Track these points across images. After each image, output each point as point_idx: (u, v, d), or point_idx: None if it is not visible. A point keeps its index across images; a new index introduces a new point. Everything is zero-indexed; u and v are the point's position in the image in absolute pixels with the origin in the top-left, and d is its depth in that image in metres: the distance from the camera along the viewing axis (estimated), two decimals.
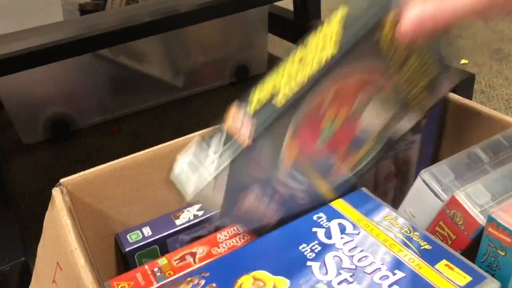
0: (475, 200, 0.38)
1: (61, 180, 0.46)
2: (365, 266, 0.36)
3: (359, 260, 0.37)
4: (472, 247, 0.38)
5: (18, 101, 1.12)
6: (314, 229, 0.40)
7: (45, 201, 0.44)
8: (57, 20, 1.08)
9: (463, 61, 1.33)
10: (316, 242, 0.39)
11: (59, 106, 1.16)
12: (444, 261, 0.36)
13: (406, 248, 0.37)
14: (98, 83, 1.20)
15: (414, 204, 0.43)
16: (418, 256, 0.36)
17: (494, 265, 0.35)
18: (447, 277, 0.34)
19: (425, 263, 0.36)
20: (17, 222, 0.62)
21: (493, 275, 0.35)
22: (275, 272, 0.37)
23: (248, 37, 1.38)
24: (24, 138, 1.16)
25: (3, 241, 0.58)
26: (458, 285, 0.33)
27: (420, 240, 0.38)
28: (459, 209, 0.38)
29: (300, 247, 0.39)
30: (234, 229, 0.46)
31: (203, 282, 0.37)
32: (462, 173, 0.42)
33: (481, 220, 0.37)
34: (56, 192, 0.44)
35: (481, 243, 0.36)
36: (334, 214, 0.42)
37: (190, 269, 0.42)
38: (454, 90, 0.54)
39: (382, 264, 0.36)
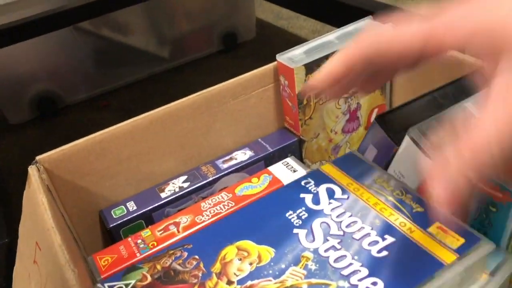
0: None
1: (37, 158, 0.44)
2: (353, 232, 0.35)
3: (347, 226, 0.36)
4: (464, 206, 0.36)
5: (2, 81, 1.09)
6: (302, 195, 0.39)
7: None
8: None
9: None
10: (303, 208, 0.38)
11: (44, 83, 1.14)
12: (437, 224, 0.34)
13: (398, 212, 0.36)
14: (83, 58, 1.17)
15: (403, 163, 0.41)
16: (410, 219, 0.35)
17: (486, 222, 0.34)
18: (440, 241, 0.33)
19: (417, 226, 0.34)
20: (1, 203, 0.61)
21: (485, 233, 0.34)
22: (260, 241, 0.36)
23: (235, 2, 1.34)
24: (10, 118, 1.14)
25: None
26: (452, 248, 0.32)
27: (412, 202, 0.36)
28: None
29: (287, 214, 0.38)
30: (218, 197, 0.45)
31: (185, 254, 0.36)
32: None
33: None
34: (32, 170, 0.43)
35: (473, 201, 0.35)
36: (322, 179, 0.40)
37: (174, 239, 0.41)
38: None
39: (372, 229, 0.35)
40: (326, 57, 0.51)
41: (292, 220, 0.37)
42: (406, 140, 0.40)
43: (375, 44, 0.29)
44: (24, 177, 0.43)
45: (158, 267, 0.35)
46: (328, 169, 0.41)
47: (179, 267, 0.35)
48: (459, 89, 0.45)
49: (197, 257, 0.35)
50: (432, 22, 0.27)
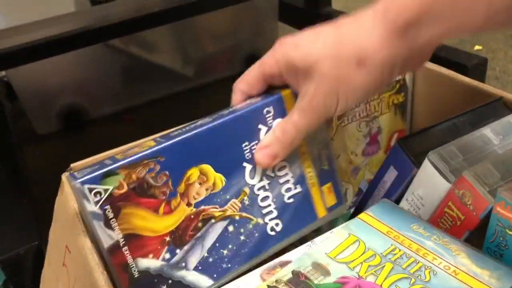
0: (484, 179, 0.37)
1: (72, 165, 0.46)
2: (280, 176, 0.40)
3: (278, 170, 0.40)
4: (481, 227, 0.37)
5: (32, 92, 1.13)
6: (259, 126, 0.40)
7: (58, 189, 0.45)
8: (69, 11, 1.08)
9: (477, 47, 1.31)
10: (256, 142, 0.40)
11: (72, 97, 1.18)
12: (329, 185, 0.43)
13: (313, 166, 0.43)
14: (110, 73, 1.20)
15: (422, 186, 0.42)
16: (316, 175, 0.42)
17: (503, 245, 0.35)
18: (323, 198, 0.43)
19: (317, 182, 0.43)
20: (31, 207, 0.63)
21: (501, 255, 0.35)
22: (217, 168, 0.38)
23: (258, 25, 1.37)
24: (38, 129, 1.18)
25: (18, 226, 0.59)
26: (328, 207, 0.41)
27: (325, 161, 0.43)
28: (468, 188, 0.37)
29: (243, 145, 0.39)
30: None
31: (158, 168, 0.36)
32: (471, 154, 0.41)
33: (490, 199, 0.36)
34: (65, 177, 0.45)
35: (490, 223, 0.35)
36: (281, 113, 0.41)
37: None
38: (466, 75, 0.53)
39: (292, 177, 0.40)
40: None
41: (245, 152, 0.39)
42: (426, 164, 0.42)
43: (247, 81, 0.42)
44: (48, 186, 0.45)
45: (134, 176, 0.35)
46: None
47: (151, 181, 0.36)
48: (477, 116, 0.46)
49: (167, 173, 0.36)
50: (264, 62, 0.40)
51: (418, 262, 0.35)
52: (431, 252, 0.36)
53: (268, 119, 0.40)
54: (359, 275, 0.35)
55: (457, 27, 0.31)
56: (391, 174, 0.46)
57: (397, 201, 0.46)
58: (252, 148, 0.39)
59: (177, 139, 0.37)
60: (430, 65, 0.56)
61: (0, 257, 0.55)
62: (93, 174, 0.34)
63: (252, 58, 1.47)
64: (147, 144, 0.37)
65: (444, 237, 0.37)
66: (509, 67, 1.22)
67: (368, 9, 0.34)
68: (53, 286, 0.44)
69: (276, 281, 0.36)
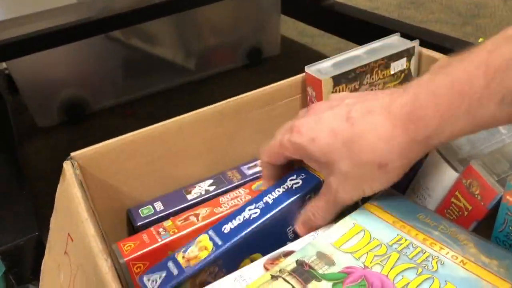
0: (492, 168, 0.37)
1: (72, 154, 0.46)
2: None
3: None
4: (489, 218, 0.37)
5: (33, 85, 1.12)
6: (301, 210, 0.41)
7: (58, 183, 0.45)
8: (70, 2, 1.07)
9: (481, 39, 1.30)
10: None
11: (73, 89, 1.17)
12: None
13: None
14: (112, 66, 1.20)
15: (429, 176, 0.42)
16: None
17: None
18: None
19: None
20: (31, 200, 0.63)
21: (510, 245, 0.34)
22: (265, 254, 0.39)
23: (261, 18, 1.36)
24: (39, 122, 1.17)
25: (18, 217, 0.59)
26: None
27: None
28: (476, 178, 0.37)
29: (287, 229, 0.41)
30: (235, 193, 0.46)
31: (217, 269, 0.39)
32: (479, 144, 0.40)
33: (498, 189, 0.36)
34: (67, 165, 0.44)
35: (499, 212, 0.35)
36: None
37: (194, 227, 0.43)
38: None
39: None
40: (354, 71, 0.52)
41: (288, 235, 0.41)
42: (433, 154, 0.41)
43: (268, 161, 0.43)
44: (50, 178, 0.45)
45: (197, 282, 0.38)
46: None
47: (210, 279, 0.38)
48: None
49: (224, 270, 0.39)
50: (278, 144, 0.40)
51: (425, 252, 0.35)
52: (438, 242, 0.35)
53: (308, 202, 0.42)
54: (364, 265, 0.34)
55: (473, 125, 0.32)
56: None
57: (404, 192, 0.45)
58: (293, 228, 0.42)
59: (233, 241, 0.40)
60: (435, 54, 0.56)
61: (0, 247, 0.54)
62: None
63: (254, 51, 1.47)
64: (203, 244, 0.40)
65: (451, 226, 0.36)
66: None
67: (381, 108, 0.35)
68: (54, 275, 0.43)
69: (280, 270, 0.35)
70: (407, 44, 0.55)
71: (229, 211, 0.44)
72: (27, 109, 1.16)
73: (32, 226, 0.55)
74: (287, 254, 0.39)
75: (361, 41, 0.57)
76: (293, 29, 1.57)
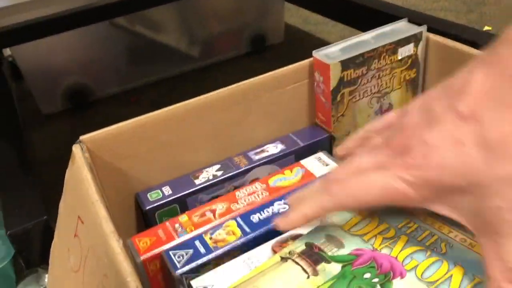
0: None
1: (81, 137, 0.46)
2: None
3: None
4: None
5: (37, 72, 1.12)
6: None
7: (64, 168, 0.45)
8: None
9: (486, 27, 1.29)
10: None
11: (77, 76, 1.17)
12: None
13: None
14: (115, 53, 1.20)
15: None
16: None
17: None
18: None
19: None
20: (38, 185, 0.63)
21: None
22: None
23: (265, 5, 1.35)
24: (43, 108, 1.17)
25: (25, 202, 0.59)
26: None
27: None
28: None
29: None
30: (252, 187, 0.46)
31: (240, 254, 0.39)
32: None
33: None
34: (76, 148, 0.45)
35: None
36: None
37: (210, 224, 0.43)
38: None
39: None
40: (362, 55, 0.52)
41: None
42: None
43: None
44: (55, 165, 0.45)
45: (221, 264, 0.39)
46: None
47: None
48: None
49: None
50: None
51: (434, 235, 0.35)
52: (446, 225, 0.36)
53: None
54: (373, 247, 0.35)
55: None
56: None
57: None
58: None
59: (261, 230, 0.41)
60: (442, 40, 0.56)
61: (9, 231, 0.55)
62: (190, 266, 0.39)
63: (258, 39, 1.47)
64: (231, 229, 0.42)
65: None
66: None
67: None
68: (64, 258, 0.43)
69: (289, 252, 0.35)
70: (414, 29, 0.55)
71: (247, 208, 0.44)
72: (31, 95, 1.16)
73: (40, 211, 0.55)
74: (295, 237, 0.39)
75: (366, 28, 0.57)
76: (297, 16, 1.56)
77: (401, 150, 0.29)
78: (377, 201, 0.30)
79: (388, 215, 0.37)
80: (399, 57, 0.55)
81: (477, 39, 0.76)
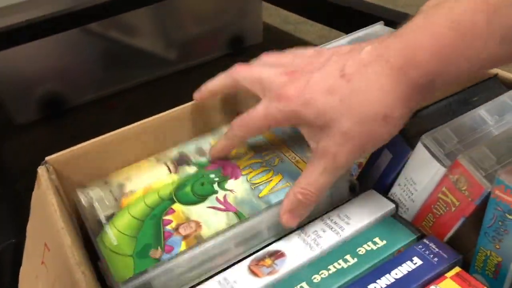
0: (479, 163, 0.36)
1: (47, 158, 0.44)
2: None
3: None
4: (477, 214, 0.36)
5: (9, 81, 1.09)
6: None
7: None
8: None
9: None
10: None
11: (51, 84, 1.14)
12: None
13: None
14: (90, 59, 1.17)
15: (415, 170, 0.41)
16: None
17: (502, 230, 0.34)
18: None
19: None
20: (9, 203, 0.61)
21: (500, 240, 0.34)
22: None
23: (242, 6, 1.34)
24: (17, 118, 1.14)
25: None
26: None
27: None
28: (463, 173, 0.36)
29: None
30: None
31: None
32: (466, 136, 0.40)
33: (486, 185, 0.35)
34: (41, 170, 0.42)
35: (488, 208, 0.34)
36: None
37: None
38: None
39: None
40: None
41: None
42: (419, 147, 0.40)
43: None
44: (31, 177, 0.43)
45: None
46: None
47: None
48: (472, 95, 0.44)
49: None
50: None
51: (274, 153, 0.46)
52: (289, 148, 0.46)
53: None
54: (226, 158, 0.46)
55: (476, 65, 0.31)
56: (386, 157, 0.44)
57: (390, 187, 0.44)
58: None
59: None
60: None
61: None
62: None
63: (236, 40, 1.45)
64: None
65: None
66: None
67: (376, 58, 0.33)
68: (33, 284, 0.42)
69: (165, 156, 0.47)
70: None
71: None
72: (3, 105, 1.12)
73: (10, 232, 0.53)
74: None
75: (344, 28, 0.56)
76: (276, 16, 1.55)
77: (288, 79, 0.37)
78: (263, 124, 0.39)
79: (254, 141, 0.47)
80: None
81: None
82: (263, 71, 0.40)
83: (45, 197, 0.39)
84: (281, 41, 1.42)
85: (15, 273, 0.52)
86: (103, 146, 0.46)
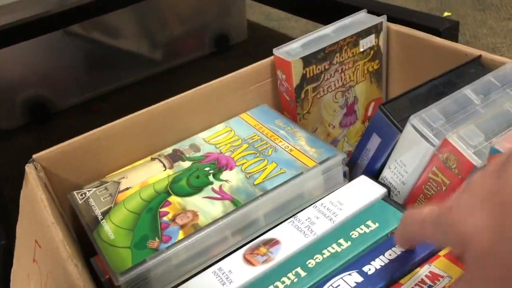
0: (468, 141, 0.36)
1: (34, 156, 0.43)
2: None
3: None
4: None
5: None
6: None
7: None
8: None
9: (446, 13, 1.31)
10: None
11: (35, 88, 1.12)
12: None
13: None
14: (73, 62, 1.15)
15: (405, 152, 0.41)
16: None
17: None
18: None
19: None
20: None
21: None
22: None
23: (226, 4, 1.33)
24: (1, 124, 1.12)
25: None
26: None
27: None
28: (452, 151, 0.36)
29: None
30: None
31: None
32: (453, 116, 0.40)
33: (475, 161, 0.35)
34: (29, 168, 0.42)
35: None
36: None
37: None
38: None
39: None
40: (323, 50, 0.51)
41: None
42: (408, 128, 0.40)
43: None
44: (17, 182, 0.43)
45: None
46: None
47: None
48: (457, 76, 0.45)
49: None
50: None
51: (267, 144, 0.47)
52: (280, 137, 0.48)
53: None
54: (220, 152, 0.47)
55: None
56: (374, 142, 0.44)
57: (382, 169, 0.44)
58: None
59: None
60: (403, 29, 0.55)
61: None
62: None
63: (221, 38, 1.44)
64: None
65: (295, 127, 0.50)
66: (479, 31, 1.22)
67: None
68: (25, 284, 0.41)
69: (159, 155, 0.48)
70: (374, 20, 0.55)
71: None
72: None
73: (0, 234, 0.52)
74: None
75: (328, 22, 0.56)
76: (259, 13, 1.54)
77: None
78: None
79: (241, 131, 0.50)
80: (361, 49, 0.54)
81: (438, 26, 0.77)
82: None
83: (34, 194, 0.38)
84: (265, 37, 1.42)
85: (5, 275, 0.51)
86: (91, 143, 0.46)
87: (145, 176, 0.45)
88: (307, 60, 0.50)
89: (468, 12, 1.32)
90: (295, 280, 0.35)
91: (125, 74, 1.23)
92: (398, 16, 0.80)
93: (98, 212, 0.41)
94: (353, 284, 0.33)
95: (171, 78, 1.25)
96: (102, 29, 1.17)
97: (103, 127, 0.46)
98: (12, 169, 0.97)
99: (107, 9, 1.05)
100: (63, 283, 0.32)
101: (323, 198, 0.42)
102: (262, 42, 1.39)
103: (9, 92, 1.09)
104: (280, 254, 0.37)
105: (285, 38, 1.38)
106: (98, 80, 1.20)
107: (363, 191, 0.41)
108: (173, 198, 0.42)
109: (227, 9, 1.34)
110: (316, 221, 0.39)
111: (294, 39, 0.53)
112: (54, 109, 1.17)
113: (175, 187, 0.43)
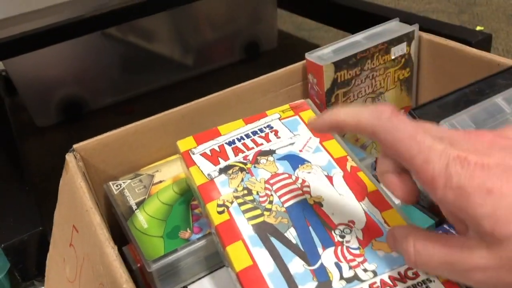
0: None
1: (75, 146, 0.45)
2: None
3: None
4: None
5: (31, 85, 1.12)
6: None
7: (59, 180, 0.45)
8: (64, 0, 1.07)
9: (478, 27, 1.30)
10: None
11: (71, 88, 1.16)
12: None
13: None
14: (109, 63, 1.19)
15: None
16: None
17: None
18: None
19: None
20: (32, 196, 0.63)
21: None
22: None
23: (257, 12, 1.36)
24: (37, 121, 1.16)
25: (21, 213, 0.58)
26: None
27: None
28: None
29: None
30: None
31: None
32: (483, 123, 0.40)
33: None
34: (69, 157, 0.44)
35: None
36: None
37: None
38: None
39: None
40: (355, 56, 0.52)
41: None
42: None
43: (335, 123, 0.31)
44: (50, 177, 0.45)
45: None
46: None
47: None
48: (488, 85, 0.45)
49: None
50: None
51: None
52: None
53: None
54: None
55: None
56: None
57: None
58: None
59: None
60: (435, 38, 0.56)
61: (4, 243, 0.54)
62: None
63: (251, 46, 1.46)
64: None
65: None
66: None
67: None
68: (60, 269, 0.43)
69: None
70: (406, 28, 0.55)
71: None
72: (25, 109, 1.15)
73: (35, 222, 0.55)
74: None
75: (358, 31, 0.57)
76: (290, 22, 1.56)
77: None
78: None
79: None
80: (392, 57, 0.55)
81: (470, 38, 0.77)
82: None
83: (73, 182, 0.40)
84: (295, 46, 1.44)
85: (40, 261, 0.54)
86: (128, 136, 0.48)
87: (178, 170, 0.47)
88: (338, 65, 0.51)
89: (501, 26, 1.31)
90: None
91: (158, 78, 1.26)
92: (430, 27, 0.80)
93: (132, 202, 0.43)
94: None
95: (200, 84, 1.28)
96: (138, 33, 1.20)
97: (140, 122, 0.48)
98: (45, 164, 1.00)
99: (143, 13, 1.08)
100: (99, 265, 0.34)
101: None
102: (292, 51, 1.40)
103: (46, 90, 1.14)
104: None
105: (314, 48, 1.39)
106: (131, 82, 1.24)
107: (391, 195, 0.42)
108: None
109: (259, 17, 1.36)
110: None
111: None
112: (88, 109, 1.20)
113: None
